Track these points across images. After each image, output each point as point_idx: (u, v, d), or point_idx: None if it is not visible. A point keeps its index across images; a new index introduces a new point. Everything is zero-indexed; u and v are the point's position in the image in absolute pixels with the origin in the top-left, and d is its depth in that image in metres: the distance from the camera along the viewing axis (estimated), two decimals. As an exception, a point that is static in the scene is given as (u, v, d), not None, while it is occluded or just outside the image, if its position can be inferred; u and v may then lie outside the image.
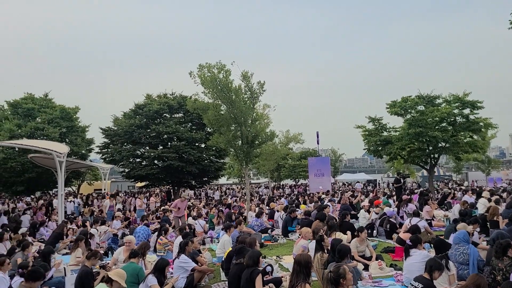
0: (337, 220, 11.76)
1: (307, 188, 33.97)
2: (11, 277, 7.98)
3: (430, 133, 21.42)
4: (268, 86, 16.83)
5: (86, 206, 21.78)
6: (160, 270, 6.83)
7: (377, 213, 13.98)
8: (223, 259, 9.03)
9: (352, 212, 14.74)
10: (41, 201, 22.46)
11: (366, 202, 15.15)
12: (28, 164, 27.05)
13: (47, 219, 17.65)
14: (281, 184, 48.60)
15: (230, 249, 8.59)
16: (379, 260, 8.63)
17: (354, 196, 19.25)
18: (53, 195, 27.19)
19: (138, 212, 18.38)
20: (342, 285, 4.86)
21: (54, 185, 28.87)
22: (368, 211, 13.80)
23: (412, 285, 5.70)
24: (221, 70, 15.79)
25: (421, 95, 23.83)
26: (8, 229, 13.45)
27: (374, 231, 12.78)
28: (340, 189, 34.02)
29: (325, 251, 7.79)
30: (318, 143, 36.39)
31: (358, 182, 43.21)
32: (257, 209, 16.47)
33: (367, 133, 24.68)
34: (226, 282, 8.03)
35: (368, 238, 10.17)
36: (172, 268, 8.22)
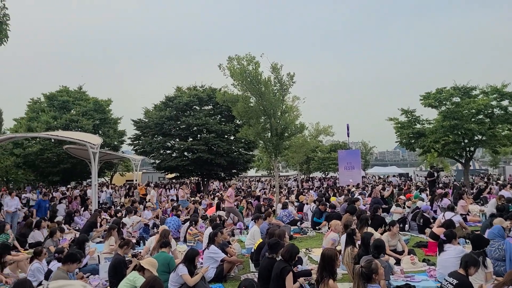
0: (368, 213, 11.55)
1: (337, 181, 33.63)
2: (48, 262, 8.27)
3: (466, 125, 20.70)
4: (298, 80, 16.66)
5: (127, 197, 22.30)
6: (190, 260, 6.88)
7: (409, 207, 13.67)
8: (252, 250, 9.03)
9: (384, 206, 14.45)
10: (76, 191, 23.13)
11: (402, 196, 14.84)
12: (64, 155, 27.94)
13: (82, 209, 18.17)
14: (310, 176, 48.28)
15: (261, 240, 8.57)
16: (411, 255, 8.44)
17: (385, 189, 18.87)
18: (87, 185, 27.98)
19: (182, 202, 18.13)
20: (374, 280, 4.76)
21: (88, 176, 29.71)
22: (400, 205, 13.51)
23: (447, 280, 5.53)
24: (251, 62, 15.70)
25: (457, 86, 23.03)
26: (45, 217, 13.94)
27: (406, 225, 12.50)
28: (371, 182, 33.46)
29: (356, 245, 7.67)
30: (348, 136, 35.90)
31: (394, 175, 42.42)
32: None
33: (399, 125, 24.10)
34: (255, 273, 8.05)
35: (400, 232, 9.94)
36: (202, 259, 8.28)
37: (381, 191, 18.08)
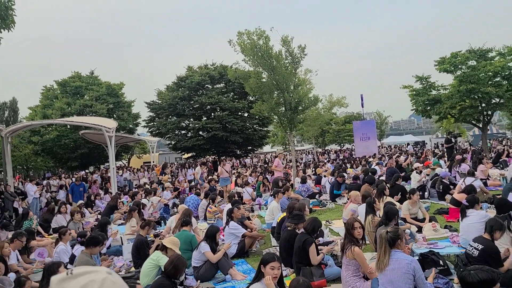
0: (386, 183, 11.46)
1: (353, 152, 33.41)
2: (72, 246, 8.43)
3: (483, 89, 20.18)
4: (309, 51, 16.38)
5: (164, 175, 22.60)
6: (211, 237, 6.94)
7: (428, 175, 13.50)
8: (272, 225, 9.06)
9: (402, 174, 14.31)
10: (95, 175, 23.47)
11: (418, 164, 14.65)
12: (80, 140, 28.27)
13: (102, 192, 18.45)
14: (325, 149, 48.11)
15: (284, 215, 8.58)
16: (433, 222, 8.35)
17: (405, 159, 18.66)
18: (105, 169, 28.35)
19: (221, 180, 16.34)
20: (398, 246, 4.75)
21: (105, 160, 30.08)
22: (420, 173, 13.34)
23: (471, 246, 5.46)
24: (261, 37, 15.44)
25: (472, 49, 22.35)
26: (66, 202, 14.18)
27: (426, 193, 12.37)
28: (387, 152, 33.14)
29: (376, 214, 7.63)
30: (362, 106, 35.40)
31: (409, 144, 41.94)
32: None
33: (414, 93, 23.62)
34: (277, 248, 8.09)
35: (420, 200, 9.84)
36: (223, 236, 8.35)
37: (398, 159, 17.90)
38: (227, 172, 15.98)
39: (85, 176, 24.61)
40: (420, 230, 8.08)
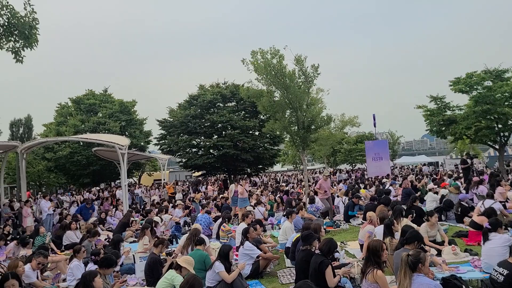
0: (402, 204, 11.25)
1: (365, 172, 33.08)
2: (85, 264, 8.36)
3: (499, 109, 19.95)
4: (322, 70, 16.38)
5: (197, 192, 22.57)
6: (224, 256, 6.83)
7: (443, 195, 13.27)
8: (286, 245, 8.91)
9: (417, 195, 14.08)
10: (106, 192, 23.52)
11: (432, 185, 14.42)
12: (93, 157, 28.45)
13: (114, 209, 18.41)
14: (337, 169, 47.79)
15: (299, 235, 8.43)
16: (452, 245, 8.13)
17: (419, 180, 18.40)
18: (116, 186, 28.44)
19: (240, 201, 14.20)
20: (419, 270, 4.59)
21: (117, 177, 30.20)
22: (436, 194, 13.12)
23: (496, 271, 5.28)
24: (275, 55, 15.51)
25: (488, 70, 22.20)
26: (77, 218, 14.17)
27: (442, 215, 12.13)
28: (400, 173, 32.79)
29: (394, 236, 7.46)
30: (375, 126, 35.12)
31: (425, 164, 41.44)
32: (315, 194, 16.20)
33: (428, 113, 23.42)
34: (291, 269, 7.93)
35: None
36: (237, 256, 8.21)
37: (414, 180, 17.65)
38: (247, 191, 15.15)
39: (96, 194, 24.68)
40: (439, 253, 7.87)
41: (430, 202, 12.86)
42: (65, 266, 8.88)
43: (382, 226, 7.89)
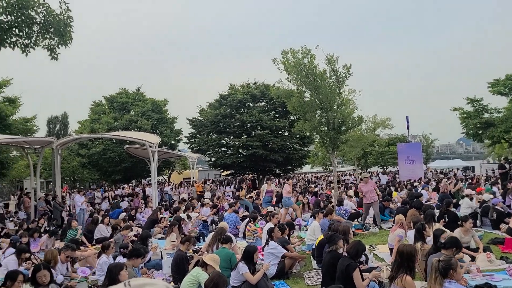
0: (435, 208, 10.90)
1: (397, 175, 32.38)
2: (114, 258, 8.50)
3: (541, 113, 19.14)
4: (354, 71, 16.12)
5: (241, 190, 22.77)
6: (248, 258, 6.76)
7: (480, 201, 12.77)
8: (313, 247, 8.78)
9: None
10: (137, 189, 23.96)
11: (470, 190, 13.91)
12: (124, 154, 29.08)
13: (143, 206, 18.72)
14: (368, 171, 46.94)
15: (322, 236, 8.30)
16: (487, 252, 7.80)
17: (455, 184, 17.82)
18: (146, 183, 28.93)
19: (285, 200, 13.95)
20: (450, 276, 4.40)
21: (147, 174, 30.72)
22: (472, 199, 12.64)
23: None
24: (306, 55, 15.37)
25: (529, 71, 21.31)
26: (107, 214, 14.46)
27: (478, 221, 11.67)
28: (434, 177, 31.86)
29: (426, 241, 7.22)
30: (408, 128, 34.36)
31: (458, 169, 40.17)
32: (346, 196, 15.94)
33: (465, 115, 22.73)
34: (318, 271, 7.80)
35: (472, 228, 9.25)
36: (262, 255, 8.16)
37: (447, 185, 17.11)
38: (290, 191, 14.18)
39: (128, 191, 25.17)
40: (473, 260, 7.57)
41: (465, 208, 12.40)
42: (94, 260, 9.07)
43: (413, 231, 7.65)
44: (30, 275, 6.50)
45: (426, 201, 13.99)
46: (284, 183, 15.29)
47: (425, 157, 44.20)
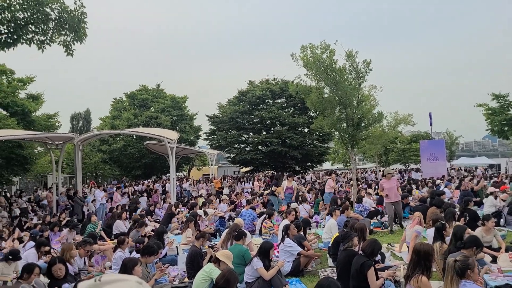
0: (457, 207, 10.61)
1: (419, 173, 31.76)
2: (130, 253, 8.57)
3: None
4: (375, 67, 15.82)
5: (277, 186, 22.76)
6: (264, 253, 6.71)
7: (504, 200, 12.36)
8: (329, 245, 8.65)
9: (474, 199, 13.23)
10: (156, 185, 24.19)
11: (493, 188, 13.48)
12: (144, 150, 29.41)
13: (162, 202, 18.88)
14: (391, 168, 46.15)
15: (337, 234, 8.17)
16: (510, 252, 7.53)
17: (477, 182, 17.35)
18: (166, 179, 29.19)
19: (327, 195, 14.36)
20: (468, 277, 4.24)
21: (167, 170, 31.01)
22: (496, 198, 12.24)
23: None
24: (325, 50, 15.16)
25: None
26: (127, 209, 14.61)
27: (502, 220, 11.30)
28: (458, 175, 31.15)
29: (445, 240, 7.00)
30: (431, 125, 33.67)
31: (477, 167, 39.19)
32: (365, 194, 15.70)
33: (490, 112, 22.07)
34: (334, 268, 7.68)
35: (495, 227, 8.96)
36: (278, 252, 8.08)
37: (470, 183, 16.67)
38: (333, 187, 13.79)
39: (149, 185, 25.44)
40: (494, 260, 7.32)
41: (489, 206, 12.02)
42: (112, 254, 9.16)
43: (433, 229, 7.44)
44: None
45: (448, 199, 13.64)
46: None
47: (449, 155, 43.28)
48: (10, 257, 7.79)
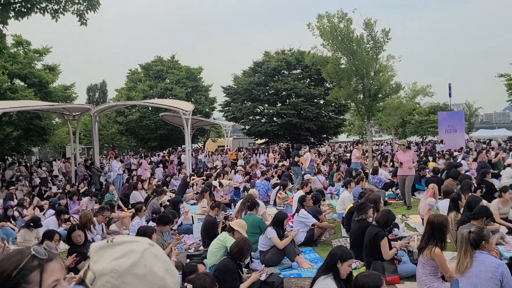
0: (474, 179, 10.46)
1: (436, 145, 31.38)
2: (147, 222, 8.75)
3: None
4: (394, 35, 15.41)
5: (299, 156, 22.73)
6: (278, 223, 6.79)
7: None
8: (343, 216, 8.68)
9: (492, 170, 13.01)
10: (172, 156, 24.44)
11: (510, 160, 13.24)
12: (160, 122, 29.59)
13: (177, 172, 19.10)
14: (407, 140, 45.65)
15: (351, 205, 8.18)
16: (527, 224, 7.45)
17: (496, 154, 17.04)
18: (182, 151, 29.46)
19: (354, 165, 14.17)
20: (482, 248, 4.21)
21: (183, 142, 31.25)
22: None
23: None
24: (342, 19, 14.80)
25: None
26: (143, 180, 14.84)
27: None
28: (476, 147, 30.66)
29: (460, 211, 6.96)
30: (450, 96, 33.03)
31: (491, 140, 38.46)
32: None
33: (511, 82, 21.47)
34: (347, 238, 7.72)
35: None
36: (292, 222, 8.15)
37: (488, 155, 16.39)
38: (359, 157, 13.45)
39: (163, 158, 25.73)
40: (511, 231, 7.26)
41: (507, 178, 11.81)
42: (129, 222, 9.37)
43: (446, 201, 7.39)
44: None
45: (465, 172, 13.46)
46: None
47: (468, 127, 42.56)
48: (32, 224, 8.07)
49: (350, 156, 18.62)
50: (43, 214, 10.33)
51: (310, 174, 14.02)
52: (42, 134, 23.16)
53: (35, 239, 7.95)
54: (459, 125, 26.46)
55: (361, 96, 15.79)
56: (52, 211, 9.85)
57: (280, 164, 19.40)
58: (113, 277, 0.98)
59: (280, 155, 27.85)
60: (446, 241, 4.99)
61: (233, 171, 17.77)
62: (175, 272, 1.06)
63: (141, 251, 1.02)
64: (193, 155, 25.03)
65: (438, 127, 28.37)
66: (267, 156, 25.80)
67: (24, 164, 20.65)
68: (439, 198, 8.77)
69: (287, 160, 22.96)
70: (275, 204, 11.30)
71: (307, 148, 22.10)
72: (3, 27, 7.56)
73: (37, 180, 17.49)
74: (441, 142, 26.79)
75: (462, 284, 4.18)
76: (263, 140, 34.44)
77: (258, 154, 27.07)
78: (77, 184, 15.94)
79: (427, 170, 13.30)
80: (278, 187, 11.86)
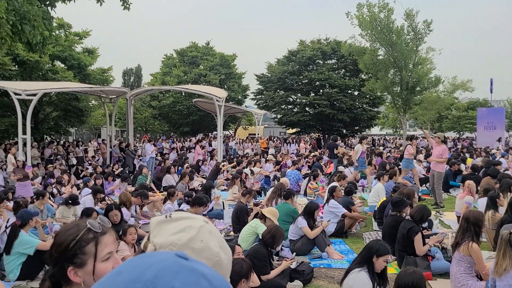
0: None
1: (474, 142, 30.40)
2: (179, 205, 8.92)
3: None
4: (436, 27, 14.97)
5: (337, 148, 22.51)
6: (309, 213, 6.77)
7: None
8: (375, 209, 8.57)
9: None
10: (203, 142, 24.71)
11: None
12: (193, 107, 29.92)
13: (209, 159, 19.30)
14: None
15: (385, 198, 8.06)
16: None
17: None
18: (213, 137, 29.75)
19: (405, 161, 12.54)
20: None
21: (214, 128, 31.53)
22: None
23: None
24: (383, 9, 14.49)
25: None
26: (176, 164, 15.09)
27: None
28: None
29: (498, 210, 6.75)
30: (491, 92, 31.78)
31: (500, 138, 36.73)
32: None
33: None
34: (378, 232, 7.64)
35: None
36: (322, 213, 8.12)
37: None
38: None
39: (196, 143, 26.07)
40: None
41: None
42: (161, 205, 9.58)
43: (484, 199, 7.17)
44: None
45: (504, 170, 13.00)
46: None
47: (508, 124, 40.96)
48: (70, 201, 8.37)
49: (384, 149, 18.31)
50: (79, 193, 10.68)
51: (360, 168, 13.23)
52: (80, 116, 23.85)
53: (72, 216, 8.24)
54: (499, 122, 25.47)
55: (398, 88, 15.50)
56: (87, 190, 10.17)
57: (312, 154, 19.27)
58: (172, 250, 1.02)
59: (311, 146, 27.70)
60: (480, 237, 4.87)
61: (263, 159, 17.82)
62: (228, 249, 1.09)
63: (198, 227, 1.05)
64: (224, 142, 25.23)
65: (477, 123, 27.39)
66: (298, 146, 25.69)
67: (62, 143, 21.34)
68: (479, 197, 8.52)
69: (318, 150, 22.81)
70: (305, 194, 11.28)
71: (357, 139, 21.15)
72: (51, 9, 7.80)
73: (74, 160, 18.05)
74: (499, 140, 25.00)
75: (499, 283, 4.07)
76: (294, 130, 34.28)
77: (289, 143, 26.99)
78: (111, 165, 16.36)
79: (461, 166, 12.91)
80: (308, 177, 11.82)
